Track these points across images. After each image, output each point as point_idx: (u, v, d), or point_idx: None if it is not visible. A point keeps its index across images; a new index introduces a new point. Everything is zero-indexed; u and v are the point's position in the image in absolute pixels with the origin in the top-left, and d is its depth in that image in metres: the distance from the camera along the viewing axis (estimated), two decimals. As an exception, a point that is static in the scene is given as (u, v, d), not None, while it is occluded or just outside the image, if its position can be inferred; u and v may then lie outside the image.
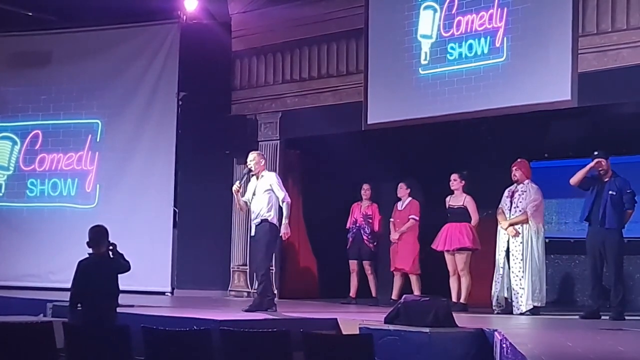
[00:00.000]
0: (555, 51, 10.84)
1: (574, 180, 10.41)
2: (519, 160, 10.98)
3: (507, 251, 10.75)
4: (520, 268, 10.61)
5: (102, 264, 8.58)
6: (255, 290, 11.17)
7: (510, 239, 10.73)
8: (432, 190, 12.37)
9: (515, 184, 10.93)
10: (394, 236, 12.10)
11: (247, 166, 10.62)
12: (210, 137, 13.77)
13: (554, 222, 13.01)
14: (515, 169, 10.91)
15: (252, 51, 14.04)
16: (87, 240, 8.61)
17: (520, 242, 10.67)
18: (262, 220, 10.37)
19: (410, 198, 12.19)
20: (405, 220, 12.07)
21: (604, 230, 10.16)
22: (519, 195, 10.82)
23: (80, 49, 14.59)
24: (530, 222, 10.69)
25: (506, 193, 10.95)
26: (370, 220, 12.53)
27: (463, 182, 11.55)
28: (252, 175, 10.59)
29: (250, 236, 10.82)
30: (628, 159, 11.64)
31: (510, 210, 10.82)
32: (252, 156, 10.57)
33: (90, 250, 8.62)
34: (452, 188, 11.57)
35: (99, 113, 14.49)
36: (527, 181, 10.88)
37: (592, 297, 10.48)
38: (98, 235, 8.66)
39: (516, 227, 10.71)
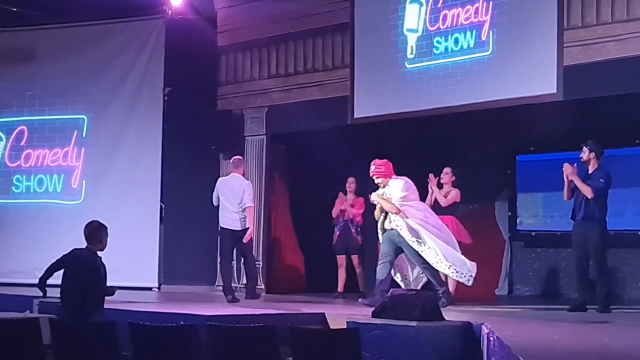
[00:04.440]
0: (540, 44, 10.85)
1: (565, 196, 10.40)
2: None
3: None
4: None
5: (94, 261, 8.60)
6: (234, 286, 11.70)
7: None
8: (418, 183, 12.35)
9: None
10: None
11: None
12: (197, 132, 13.76)
13: (540, 215, 13.05)
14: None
15: (237, 46, 14.01)
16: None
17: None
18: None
19: None
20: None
21: (584, 222, 10.20)
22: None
23: (66, 44, 14.53)
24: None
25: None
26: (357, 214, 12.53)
27: (454, 177, 11.55)
28: None
29: (233, 230, 11.23)
30: (612, 152, 11.66)
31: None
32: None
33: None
34: (441, 181, 11.56)
35: (85, 109, 14.43)
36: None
37: (578, 290, 10.51)
38: (98, 232, 8.69)
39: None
